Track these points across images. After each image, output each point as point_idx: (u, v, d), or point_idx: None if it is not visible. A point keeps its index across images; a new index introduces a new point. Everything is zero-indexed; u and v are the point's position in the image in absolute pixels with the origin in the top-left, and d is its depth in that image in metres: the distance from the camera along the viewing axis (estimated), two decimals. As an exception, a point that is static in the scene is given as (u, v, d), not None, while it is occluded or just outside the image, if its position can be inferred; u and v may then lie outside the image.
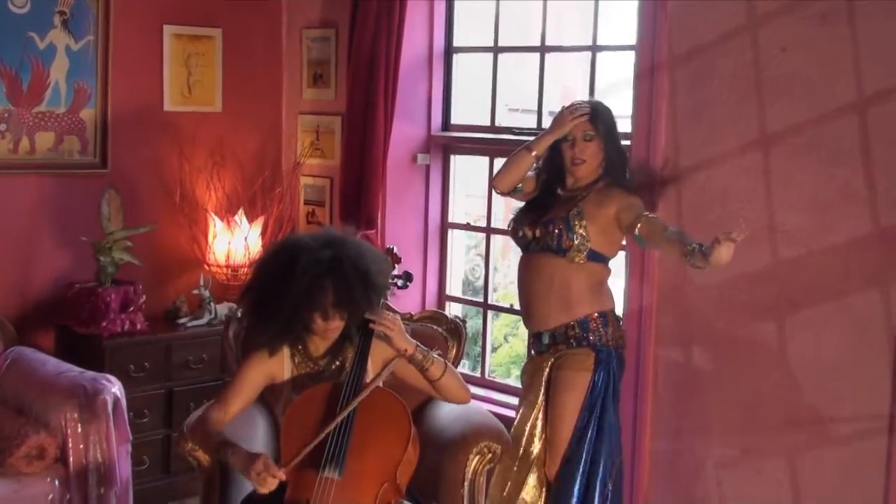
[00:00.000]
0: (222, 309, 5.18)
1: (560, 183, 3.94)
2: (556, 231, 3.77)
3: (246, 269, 5.33)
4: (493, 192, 4.30)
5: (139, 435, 4.68)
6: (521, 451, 3.93)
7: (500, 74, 5.31)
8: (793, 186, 3.97)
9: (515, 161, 3.92)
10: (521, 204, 4.06)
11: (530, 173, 3.97)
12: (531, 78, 5.16)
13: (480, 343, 5.48)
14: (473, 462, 3.61)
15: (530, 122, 5.16)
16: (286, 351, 3.34)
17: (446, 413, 3.81)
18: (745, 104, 4.07)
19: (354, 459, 3.06)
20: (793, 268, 3.99)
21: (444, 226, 5.59)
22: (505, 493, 3.94)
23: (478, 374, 5.39)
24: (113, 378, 4.29)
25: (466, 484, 3.59)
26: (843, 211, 3.84)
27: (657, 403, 4.39)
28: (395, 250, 3.65)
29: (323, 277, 3.12)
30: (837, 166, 3.85)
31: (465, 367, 5.37)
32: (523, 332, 4.89)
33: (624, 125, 4.48)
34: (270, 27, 5.78)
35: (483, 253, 5.49)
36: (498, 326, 6.00)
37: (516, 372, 5.12)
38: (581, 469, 3.80)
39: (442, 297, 5.60)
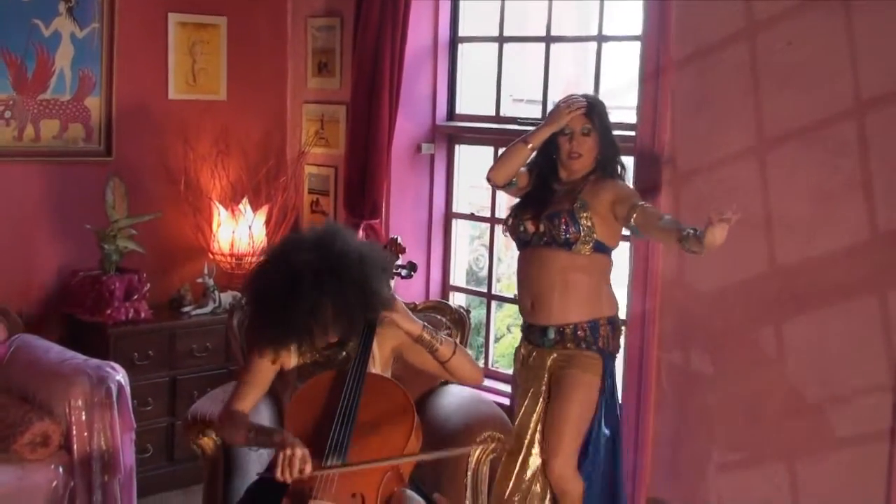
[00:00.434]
0: (226, 297, 5.18)
1: (554, 177, 3.94)
2: (563, 224, 3.78)
3: (250, 258, 5.34)
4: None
5: (143, 423, 4.68)
6: (524, 444, 3.93)
7: (504, 65, 5.30)
8: (798, 177, 3.97)
9: (511, 154, 3.92)
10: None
11: (523, 169, 3.98)
12: (535, 68, 5.16)
13: (484, 333, 5.49)
14: (477, 452, 3.61)
15: (535, 112, 5.15)
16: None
17: (450, 402, 3.82)
18: (751, 96, 4.07)
19: (357, 448, 3.05)
20: (797, 259, 3.99)
21: (449, 216, 5.59)
22: (509, 486, 3.94)
23: (481, 365, 5.39)
24: (117, 366, 4.29)
25: (469, 473, 3.59)
26: (849, 202, 3.84)
27: (660, 400, 4.40)
28: (399, 240, 3.64)
29: (324, 303, 3.07)
30: (843, 157, 3.84)
31: (468, 357, 5.37)
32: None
33: (629, 116, 4.50)
34: (275, 16, 5.78)
35: (487, 243, 5.49)
36: (501, 317, 6.00)
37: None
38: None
39: (446, 288, 5.60)
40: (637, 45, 4.46)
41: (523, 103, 5.74)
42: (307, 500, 2.95)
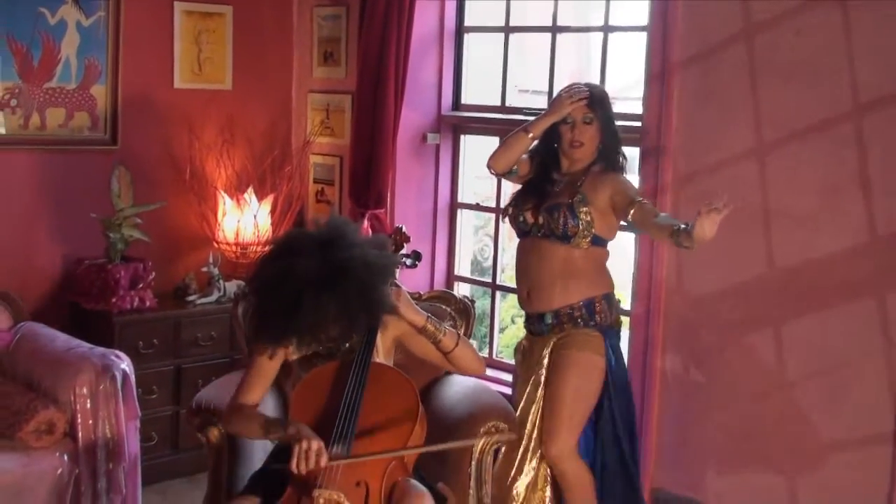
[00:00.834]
0: (231, 286, 5.18)
1: (555, 166, 3.94)
2: (562, 218, 3.78)
3: (255, 247, 5.34)
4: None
5: (148, 411, 4.69)
6: (526, 433, 3.93)
7: (510, 55, 5.30)
8: (803, 169, 3.96)
9: (512, 142, 3.93)
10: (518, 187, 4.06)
11: (524, 156, 3.98)
12: (541, 59, 5.15)
13: (488, 324, 5.49)
14: (481, 441, 3.60)
15: (541, 103, 5.14)
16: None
17: (454, 392, 3.82)
18: (758, 87, 4.06)
19: (362, 438, 3.06)
20: (802, 253, 3.98)
21: (454, 206, 5.59)
22: (511, 475, 3.95)
23: (485, 355, 5.39)
24: (122, 354, 4.30)
25: (473, 463, 3.58)
26: (854, 194, 3.84)
27: (664, 390, 4.40)
28: (404, 230, 3.64)
29: (327, 307, 3.04)
30: (848, 150, 3.84)
31: (472, 347, 5.37)
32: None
33: (635, 107, 4.49)
34: (281, 4, 5.77)
35: (492, 233, 5.49)
36: (506, 307, 6.00)
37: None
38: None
39: (450, 277, 5.60)
40: (643, 35, 4.45)
41: (529, 94, 5.73)
42: (312, 490, 2.95)
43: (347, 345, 3.32)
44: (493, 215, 5.48)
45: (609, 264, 3.96)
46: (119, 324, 4.84)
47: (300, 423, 3.07)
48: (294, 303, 3.03)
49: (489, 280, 5.51)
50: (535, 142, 3.95)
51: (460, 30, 5.48)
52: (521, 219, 3.91)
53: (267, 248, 4.27)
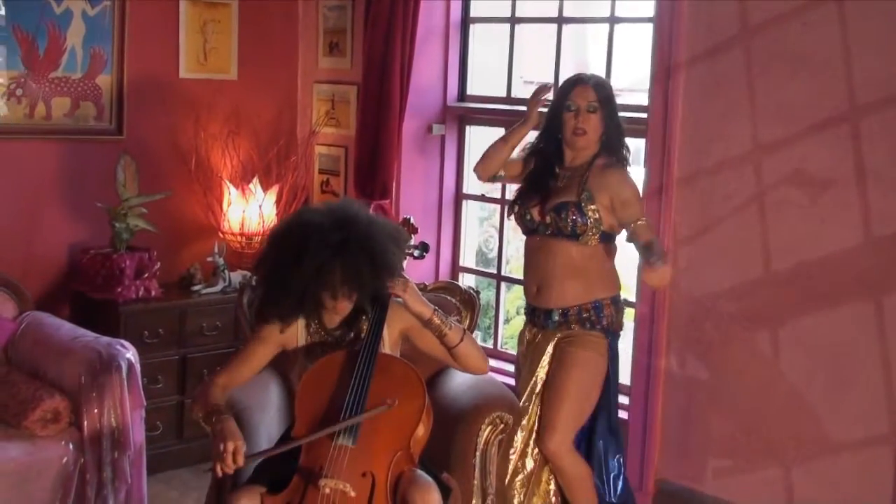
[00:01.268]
0: (236, 277, 5.18)
1: (558, 159, 3.92)
2: (571, 217, 3.75)
3: (260, 238, 5.34)
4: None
5: (153, 401, 4.70)
6: (527, 426, 3.94)
7: (516, 46, 5.29)
8: (810, 161, 3.96)
9: (492, 152, 4.01)
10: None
11: (515, 156, 4.00)
12: (547, 50, 5.14)
13: (493, 315, 5.49)
14: (485, 432, 3.60)
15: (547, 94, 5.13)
16: (301, 320, 3.35)
17: (459, 383, 3.82)
18: (764, 77, 4.06)
19: (369, 428, 3.06)
20: (809, 244, 3.99)
21: (459, 197, 5.59)
22: (511, 469, 3.95)
23: (490, 346, 5.40)
24: (127, 343, 4.30)
25: (478, 454, 3.59)
26: (861, 186, 3.84)
27: (669, 381, 4.41)
28: (412, 220, 3.64)
29: (332, 259, 3.11)
30: (856, 140, 3.83)
31: (477, 339, 5.36)
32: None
33: (641, 98, 4.49)
34: (287, -5, 5.78)
35: (497, 224, 5.49)
36: (510, 299, 6.00)
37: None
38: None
39: (455, 269, 5.60)
40: (649, 28, 4.45)
41: (534, 85, 5.72)
42: (318, 479, 2.96)
43: (353, 334, 3.33)
44: (497, 207, 5.47)
45: (615, 261, 3.96)
46: (124, 313, 4.84)
47: (229, 421, 3.10)
48: (300, 248, 3.11)
49: (494, 271, 5.51)
50: (539, 133, 3.95)
51: (466, 21, 5.48)
52: (528, 217, 3.87)
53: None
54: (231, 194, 5.43)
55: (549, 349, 3.89)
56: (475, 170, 4.09)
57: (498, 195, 5.43)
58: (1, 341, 4.47)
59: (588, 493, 3.87)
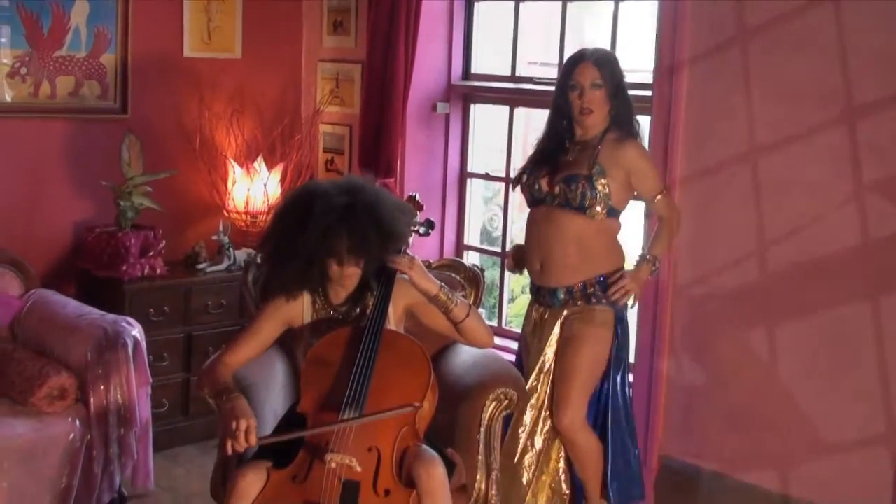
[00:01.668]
0: (241, 255, 5.19)
1: (569, 134, 3.91)
2: (580, 189, 3.75)
3: (265, 216, 5.35)
4: (512, 144, 4.25)
5: (158, 378, 4.71)
6: (536, 404, 3.95)
7: (520, 26, 5.28)
8: (815, 139, 3.96)
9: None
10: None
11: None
12: (551, 30, 5.14)
13: (497, 294, 5.50)
14: (490, 408, 3.61)
15: (550, 73, 5.13)
16: (307, 296, 3.36)
17: (464, 360, 3.83)
18: (769, 56, 4.05)
19: (374, 403, 3.07)
20: (815, 221, 3.99)
21: (463, 175, 5.59)
22: (520, 447, 3.96)
23: (494, 324, 5.41)
24: (133, 321, 4.32)
25: (482, 430, 3.59)
26: (867, 164, 3.84)
27: (673, 357, 4.42)
28: (418, 197, 3.65)
29: (338, 224, 3.14)
30: (861, 118, 3.83)
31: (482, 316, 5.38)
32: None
33: (645, 77, 4.48)
34: (291, -27, 5.77)
35: (501, 203, 5.49)
36: (515, 278, 6.00)
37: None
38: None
39: (460, 247, 5.61)
40: (654, 5, 4.44)
41: (537, 66, 5.72)
42: (323, 454, 2.98)
43: (358, 310, 3.35)
44: (502, 186, 5.47)
45: (620, 237, 3.96)
46: (129, 291, 4.85)
47: (240, 399, 3.12)
48: (306, 216, 3.15)
49: (498, 250, 5.51)
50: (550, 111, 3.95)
51: (470, -1, 5.48)
52: (537, 186, 3.87)
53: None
54: (235, 173, 5.44)
55: (557, 327, 3.90)
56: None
57: (502, 174, 5.43)
58: (7, 319, 4.49)
59: (599, 468, 3.89)
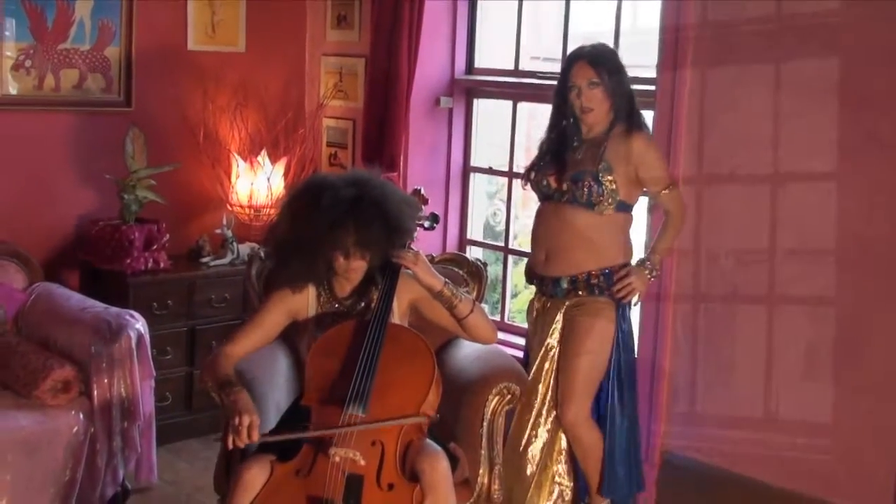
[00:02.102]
0: (245, 249, 5.20)
1: (575, 133, 3.90)
2: (587, 187, 3.75)
3: (268, 210, 5.36)
4: (516, 138, 4.24)
5: (162, 371, 4.72)
6: (539, 396, 3.95)
7: (523, 20, 5.28)
8: (818, 131, 3.96)
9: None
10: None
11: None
12: (554, 25, 5.14)
13: (500, 289, 5.50)
14: (493, 403, 3.62)
15: (554, 68, 5.13)
16: (311, 290, 3.37)
17: (466, 354, 3.83)
18: (773, 48, 4.05)
19: (378, 397, 3.08)
20: (817, 213, 3.99)
21: (467, 169, 5.59)
22: (525, 439, 3.97)
23: (497, 319, 5.42)
24: (137, 314, 4.32)
25: (485, 424, 3.59)
26: (870, 156, 3.84)
27: (676, 352, 4.42)
28: (423, 191, 3.65)
29: (345, 216, 3.15)
30: (864, 110, 3.83)
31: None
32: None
33: (649, 71, 4.48)
34: (294, -33, 5.77)
35: (505, 198, 5.49)
36: (518, 272, 6.00)
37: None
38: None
39: (463, 241, 5.61)
40: (657, 1, 4.43)
41: (540, 61, 5.72)
42: (328, 448, 2.98)
43: (363, 303, 3.35)
44: (505, 181, 5.48)
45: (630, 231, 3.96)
46: (133, 285, 4.86)
47: (243, 394, 3.11)
48: (313, 208, 3.16)
49: (501, 244, 5.52)
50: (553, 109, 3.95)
51: (474, -7, 5.47)
52: (545, 183, 3.87)
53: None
54: (239, 167, 5.44)
55: (559, 318, 3.90)
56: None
57: (505, 168, 5.43)
58: (11, 311, 4.49)
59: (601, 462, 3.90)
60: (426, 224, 3.52)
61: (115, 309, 4.34)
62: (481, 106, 5.56)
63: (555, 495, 3.99)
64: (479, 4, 5.48)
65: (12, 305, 4.50)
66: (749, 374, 4.21)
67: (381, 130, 5.20)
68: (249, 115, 5.60)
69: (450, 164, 5.55)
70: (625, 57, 3.91)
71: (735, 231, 4.21)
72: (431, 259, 4.06)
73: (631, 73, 3.89)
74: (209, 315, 5.11)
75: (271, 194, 5.38)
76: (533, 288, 4.11)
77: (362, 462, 2.97)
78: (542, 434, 3.96)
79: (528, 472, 3.96)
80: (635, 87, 3.90)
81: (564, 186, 3.81)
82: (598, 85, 3.77)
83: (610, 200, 3.77)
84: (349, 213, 3.15)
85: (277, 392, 3.61)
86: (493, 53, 5.53)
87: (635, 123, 3.82)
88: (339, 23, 5.68)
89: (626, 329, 3.91)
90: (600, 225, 3.81)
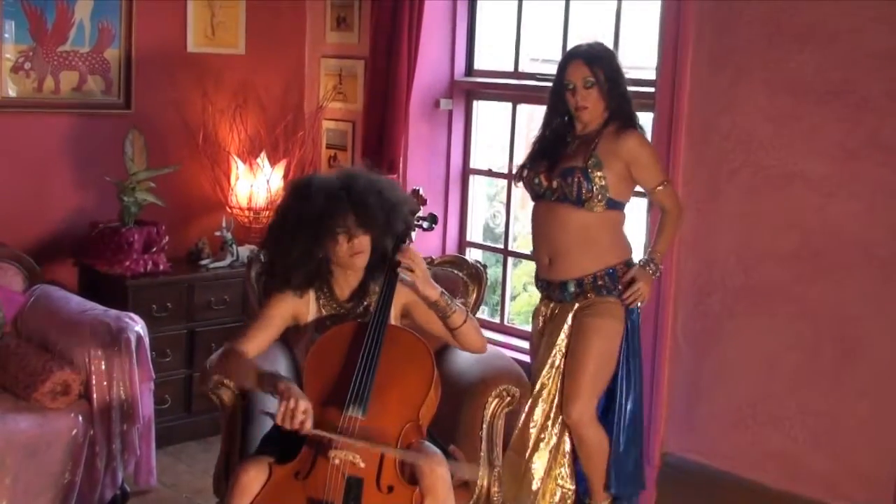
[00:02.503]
0: (244, 251, 5.19)
1: (569, 129, 3.91)
2: (576, 183, 3.76)
3: (268, 213, 5.35)
4: (515, 140, 4.23)
5: (161, 374, 4.72)
6: (547, 399, 3.94)
7: (523, 22, 5.28)
8: (819, 133, 3.95)
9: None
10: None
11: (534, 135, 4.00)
12: (554, 26, 5.13)
13: (500, 291, 5.50)
14: (492, 405, 3.61)
15: (552, 70, 5.12)
16: (311, 294, 3.36)
17: (466, 357, 3.82)
18: (773, 50, 4.05)
19: (378, 399, 3.07)
20: (817, 216, 3.98)
21: (466, 172, 5.59)
22: (531, 444, 3.96)
23: (497, 321, 5.41)
24: (136, 316, 4.31)
25: (485, 426, 3.60)
26: (870, 158, 3.83)
27: (675, 353, 4.42)
28: (421, 191, 3.64)
29: (339, 195, 3.18)
30: (864, 112, 3.83)
31: (484, 314, 5.39)
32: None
33: (649, 74, 4.48)
34: (294, -31, 5.76)
35: (504, 201, 5.49)
36: (517, 275, 6.00)
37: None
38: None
39: (462, 243, 5.61)
40: (658, 1, 4.43)
41: (539, 62, 5.72)
42: (327, 450, 2.97)
43: (362, 306, 3.35)
44: (505, 183, 5.47)
45: (625, 229, 3.96)
46: (132, 287, 4.85)
47: (292, 382, 3.08)
48: (306, 185, 3.23)
49: (501, 247, 5.51)
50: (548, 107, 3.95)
51: (474, -6, 5.47)
52: (536, 181, 3.88)
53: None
54: (239, 169, 5.44)
55: (569, 320, 3.89)
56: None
57: (505, 170, 5.42)
58: (10, 314, 4.49)
59: (605, 463, 3.90)
60: (425, 224, 3.51)
61: (114, 311, 4.33)
62: (481, 108, 5.56)
63: (557, 497, 3.99)
64: (479, 6, 5.48)
65: (11, 308, 4.49)
66: (749, 375, 4.21)
67: (380, 132, 5.20)
68: (249, 117, 5.60)
69: (449, 165, 5.54)
70: (624, 57, 3.91)
71: (735, 231, 4.20)
72: (431, 261, 4.06)
73: (631, 73, 3.90)
74: (209, 317, 5.10)
75: (271, 196, 5.38)
76: (532, 291, 4.11)
77: (362, 464, 2.96)
78: (550, 438, 3.94)
79: (534, 476, 3.94)
80: (634, 88, 3.90)
81: (555, 183, 3.81)
82: (594, 84, 3.78)
83: (600, 197, 3.76)
84: (345, 196, 3.19)
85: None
86: (492, 55, 5.52)
87: (630, 122, 3.82)
88: (339, 25, 5.67)
89: (635, 320, 3.90)
90: (596, 224, 3.81)
